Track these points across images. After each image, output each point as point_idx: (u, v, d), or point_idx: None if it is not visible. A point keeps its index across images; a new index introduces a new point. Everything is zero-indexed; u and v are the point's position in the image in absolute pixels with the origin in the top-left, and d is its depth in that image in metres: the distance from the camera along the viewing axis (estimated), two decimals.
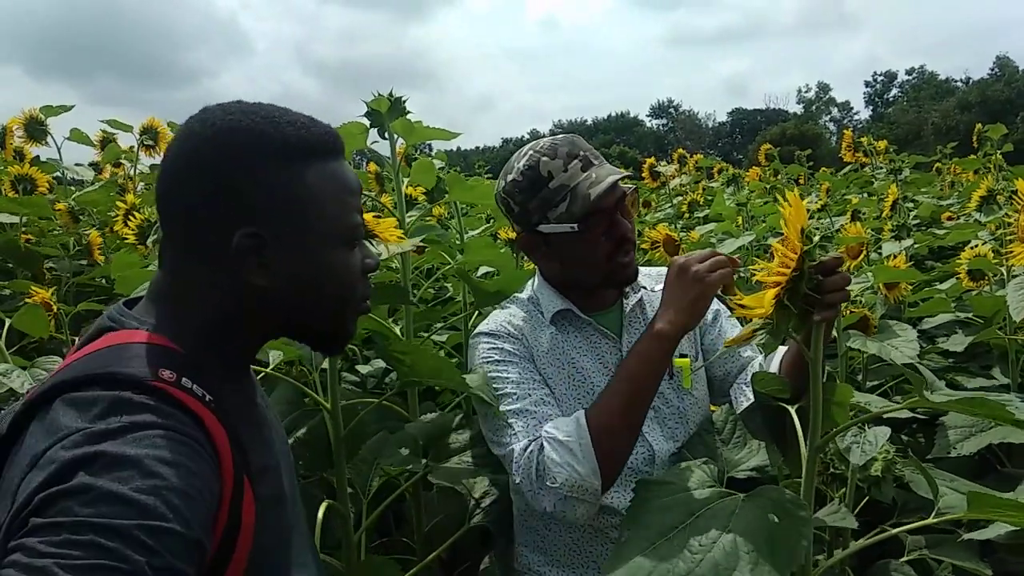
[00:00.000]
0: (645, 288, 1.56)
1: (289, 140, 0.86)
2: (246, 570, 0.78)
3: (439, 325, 2.13)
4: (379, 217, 1.35)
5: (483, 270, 2.16)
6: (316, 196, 0.87)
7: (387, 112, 1.56)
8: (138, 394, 0.73)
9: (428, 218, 1.85)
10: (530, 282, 1.59)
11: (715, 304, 1.56)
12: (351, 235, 0.92)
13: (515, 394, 1.38)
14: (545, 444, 1.30)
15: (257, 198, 0.84)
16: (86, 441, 0.66)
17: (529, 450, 1.32)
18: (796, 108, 77.61)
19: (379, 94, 1.55)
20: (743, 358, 1.51)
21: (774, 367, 1.36)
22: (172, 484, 0.66)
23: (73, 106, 3.06)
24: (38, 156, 3.07)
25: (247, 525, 0.78)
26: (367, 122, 1.57)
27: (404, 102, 1.56)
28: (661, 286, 1.50)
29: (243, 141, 0.84)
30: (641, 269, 1.57)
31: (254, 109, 0.87)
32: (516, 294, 1.60)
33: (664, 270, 1.59)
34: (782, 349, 1.37)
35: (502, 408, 1.37)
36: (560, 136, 1.48)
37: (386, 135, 1.60)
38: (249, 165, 0.84)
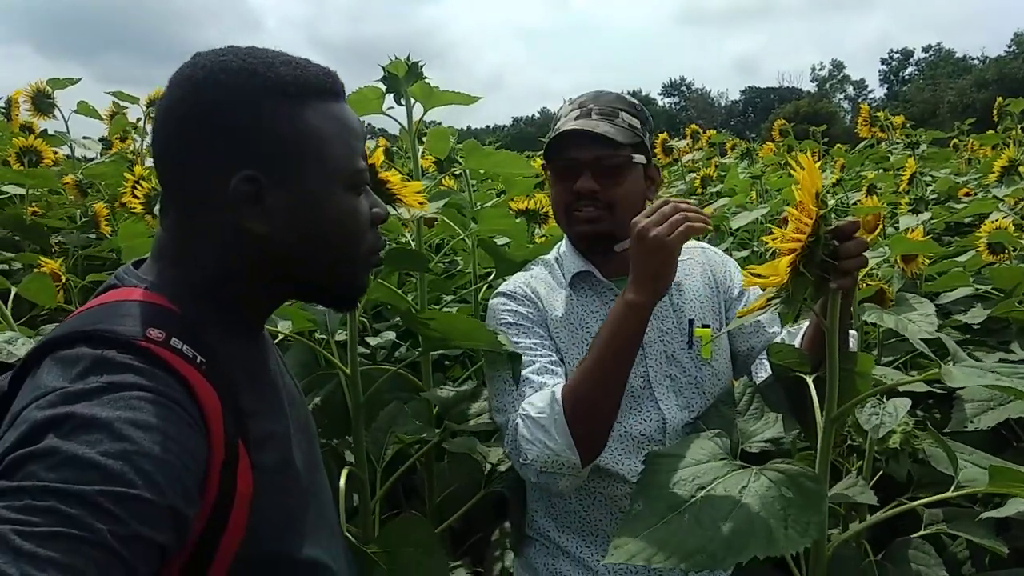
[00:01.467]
0: None
1: (285, 78, 0.82)
2: (245, 540, 0.75)
3: (449, 298, 2.11)
4: (406, 181, 1.32)
5: (498, 241, 2.14)
6: (316, 135, 0.83)
7: (404, 76, 1.52)
8: (122, 353, 0.70)
9: (440, 188, 1.83)
10: (560, 242, 1.58)
11: (741, 277, 1.53)
12: (355, 179, 0.88)
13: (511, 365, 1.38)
14: (519, 420, 1.30)
15: (253, 139, 0.80)
16: (60, 401, 0.64)
17: (512, 423, 1.33)
18: (810, 87, 76.95)
19: (396, 57, 1.50)
20: (768, 334, 1.49)
21: (797, 343, 1.34)
22: (144, 448, 0.63)
23: (80, 79, 3.04)
24: (45, 130, 3.06)
25: (242, 494, 0.75)
26: (383, 87, 1.53)
27: (421, 66, 1.51)
28: (687, 257, 1.51)
29: (236, 81, 0.80)
30: None
31: (247, 51, 0.84)
32: (543, 256, 1.60)
33: (691, 243, 1.58)
34: (806, 324, 1.35)
35: (501, 374, 1.38)
36: (599, 91, 1.49)
37: (402, 100, 1.56)
38: (243, 104, 0.80)
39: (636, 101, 1.50)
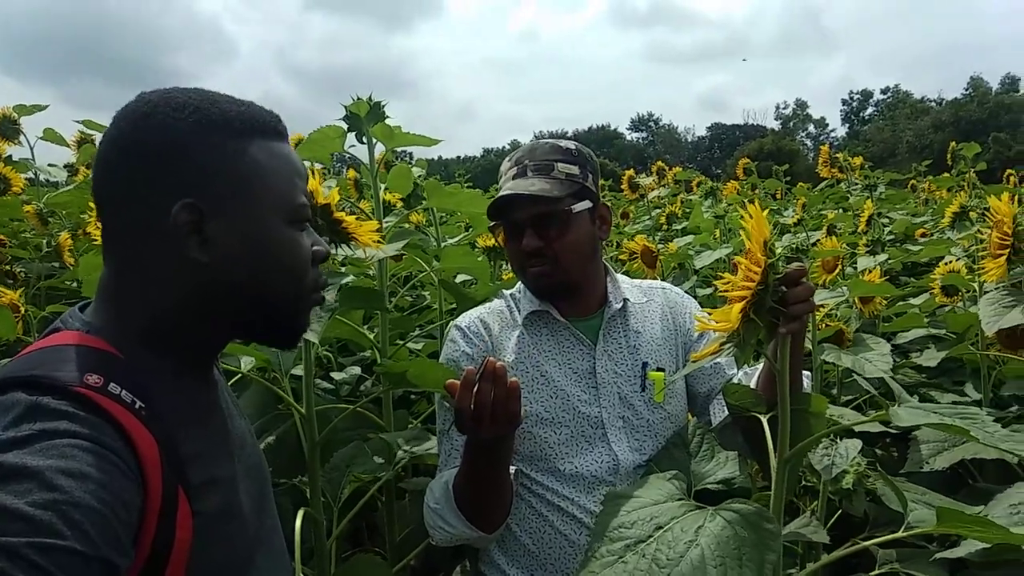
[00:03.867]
0: (629, 300, 1.55)
1: (228, 115, 0.83)
2: None
3: (415, 333, 2.11)
4: (360, 220, 1.33)
5: (461, 278, 2.15)
6: (259, 170, 0.83)
7: (366, 116, 1.54)
8: (57, 399, 0.68)
9: (406, 224, 1.84)
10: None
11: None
12: (297, 214, 0.87)
13: (448, 418, 1.42)
14: (424, 507, 1.42)
15: (196, 170, 0.80)
16: None
17: (424, 503, 1.44)
18: (774, 124, 78.59)
19: (358, 97, 1.52)
20: (727, 375, 1.51)
21: (753, 383, 1.36)
22: (74, 498, 0.61)
23: (47, 106, 3.02)
24: (10, 156, 3.02)
25: (181, 540, 0.73)
26: (345, 126, 1.55)
27: (383, 106, 1.53)
28: (646, 299, 1.55)
29: (180, 115, 0.80)
30: (628, 280, 1.61)
31: (193, 89, 0.84)
32: (504, 289, 1.63)
33: (653, 283, 1.64)
34: (762, 365, 1.37)
35: (441, 426, 1.48)
36: (536, 143, 1.52)
37: (364, 139, 1.58)
38: (187, 137, 0.80)
39: (574, 146, 1.52)
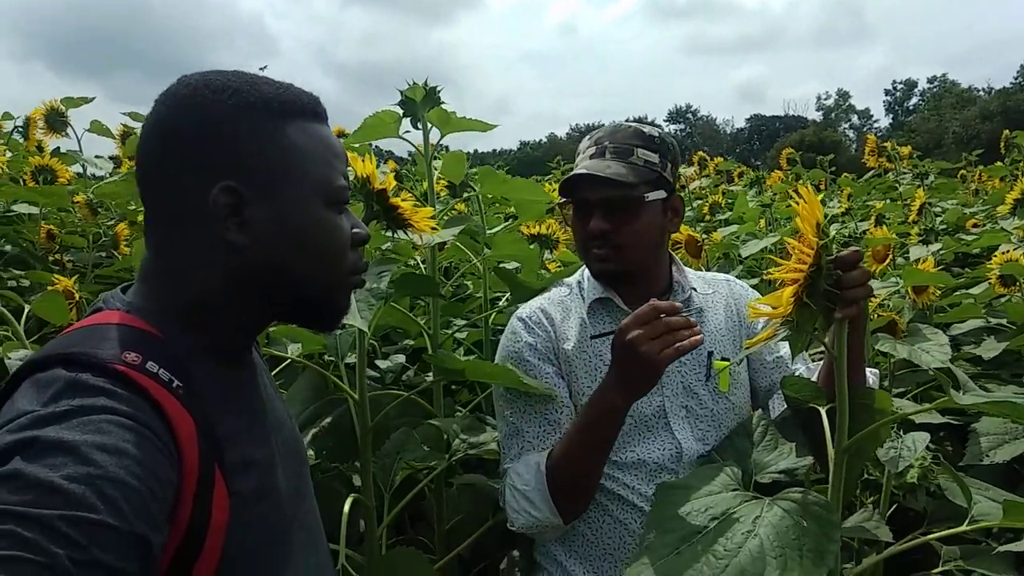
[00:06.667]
0: (695, 290, 1.53)
1: (267, 96, 0.83)
2: (220, 569, 0.74)
3: (460, 322, 2.10)
4: (417, 206, 1.33)
5: (510, 266, 2.13)
6: (297, 151, 0.83)
7: (422, 101, 1.53)
8: (96, 376, 0.69)
9: (451, 212, 1.83)
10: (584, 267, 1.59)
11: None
12: (336, 196, 0.87)
13: (519, 408, 1.43)
14: (507, 488, 1.40)
15: (234, 152, 0.80)
16: (30, 425, 0.64)
17: (503, 486, 1.43)
18: (815, 115, 77.26)
19: (414, 82, 1.51)
20: (790, 370, 1.49)
21: (815, 378, 1.33)
22: (109, 473, 0.62)
23: (94, 98, 3.07)
24: (58, 148, 3.08)
25: (217, 521, 0.74)
26: (399, 111, 1.54)
27: (439, 91, 1.52)
28: (712, 291, 1.53)
29: (220, 97, 0.81)
30: (692, 272, 1.58)
31: (232, 72, 0.84)
32: (565, 278, 1.61)
33: (718, 275, 1.62)
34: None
35: (508, 417, 1.45)
36: (619, 124, 1.49)
37: (419, 125, 1.57)
38: (226, 119, 0.80)
39: (657, 133, 1.48)
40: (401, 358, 2.03)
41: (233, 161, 0.80)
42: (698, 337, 1.20)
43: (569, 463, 1.34)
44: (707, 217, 3.81)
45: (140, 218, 2.10)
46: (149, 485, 0.65)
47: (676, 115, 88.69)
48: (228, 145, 0.80)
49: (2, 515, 0.56)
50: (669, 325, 1.19)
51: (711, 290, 1.55)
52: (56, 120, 2.87)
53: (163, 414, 0.71)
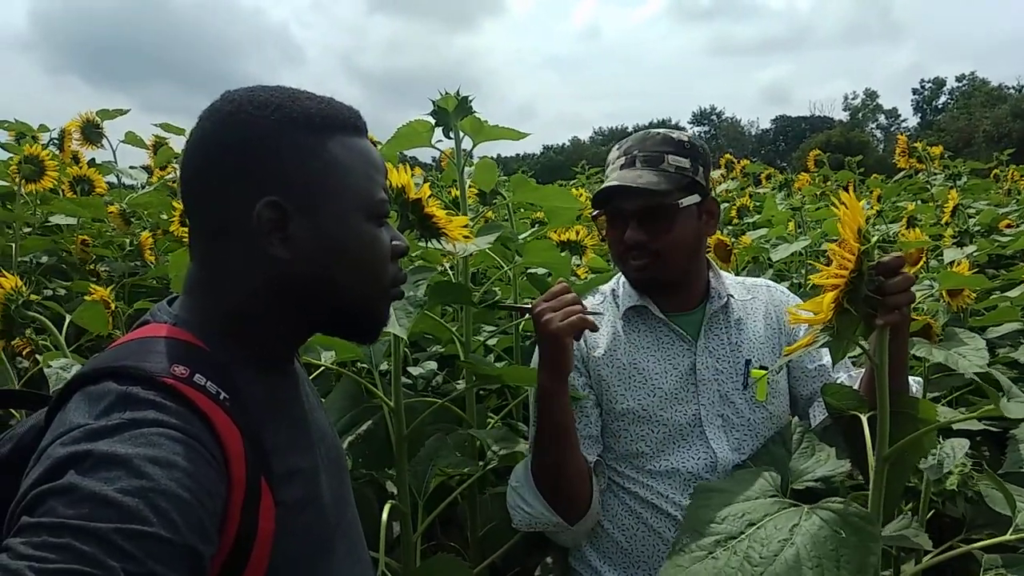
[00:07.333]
0: (733, 296, 1.52)
1: (309, 111, 0.85)
2: None
3: (490, 328, 2.11)
4: (451, 215, 1.34)
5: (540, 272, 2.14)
6: (338, 166, 0.85)
7: (454, 111, 1.55)
8: (146, 389, 0.70)
9: (482, 221, 1.84)
10: (619, 274, 1.59)
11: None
12: (377, 209, 0.89)
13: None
14: (507, 487, 1.45)
15: (278, 168, 0.82)
16: (83, 438, 0.65)
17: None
18: (842, 115, 76.45)
19: (446, 92, 1.53)
20: (832, 378, 1.47)
21: (857, 386, 1.32)
22: (161, 486, 0.63)
23: (129, 110, 3.13)
24: (93, 159, 3.13)
25: (264, 531, 0.75)
26: (432, 120, 1.56)
27: (471, 101, 1.54)
28: (750, 296, 1.52)
29: (263, 112, 0.83)
30: (731, 277, 1.58)
31: (275, 87, 0.86)
32: (600, 285, 1.62)
33: (758, 281, 1.60)
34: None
35: (533, 421, 1.44)
36: (647, 132, 1.49)
37: (451, 134, 1.59)
38: (269, 134, 0.82)
39: (686, 137, 1.47)
40: (433, 365, 2.04)
41: (276, 176, 0.82)
42: (592, 319, 1.27)
43: (538, 456, 1.38)
44: (735, 220, 3.78)
45: (172, 227, 2.13)
46: (200, 497, 0.66)
47: (700, 117, 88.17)
48: (271, 160, 0.82)
49: (58, 528, 0.57)
50: (576, 298, 1.27)
51: (750, 296, 1.54)
52: (92, 132, 2.92)
53: (211, 426, 0.72)
